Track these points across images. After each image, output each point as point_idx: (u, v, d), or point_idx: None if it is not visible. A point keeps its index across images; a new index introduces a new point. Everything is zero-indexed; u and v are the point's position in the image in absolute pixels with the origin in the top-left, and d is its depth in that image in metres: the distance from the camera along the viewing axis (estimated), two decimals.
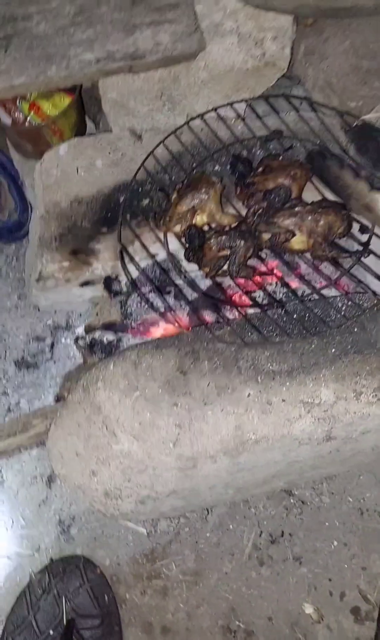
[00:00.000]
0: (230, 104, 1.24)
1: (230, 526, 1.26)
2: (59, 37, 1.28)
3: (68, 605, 1.15)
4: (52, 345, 1.47)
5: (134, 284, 1.17)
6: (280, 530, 1.26)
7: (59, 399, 1.40)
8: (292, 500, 1.29)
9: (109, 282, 1.30)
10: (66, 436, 1.11)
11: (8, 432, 1.29)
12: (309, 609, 1.24)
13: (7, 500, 1.31)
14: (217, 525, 1.26)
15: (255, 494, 1.26)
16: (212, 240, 1.07)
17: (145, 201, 1.22)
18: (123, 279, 1.29)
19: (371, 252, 1.08)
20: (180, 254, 1.17)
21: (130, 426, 1.00)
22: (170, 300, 1.21)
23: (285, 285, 1.13)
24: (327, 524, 1.28)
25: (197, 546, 1.24)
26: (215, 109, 1.24)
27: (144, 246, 1.16)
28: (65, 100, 1.50)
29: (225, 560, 1.23)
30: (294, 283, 1.17)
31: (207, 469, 1.02)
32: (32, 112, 1.50)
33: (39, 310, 1.51)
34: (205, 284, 1.21)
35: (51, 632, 1.14)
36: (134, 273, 1.20)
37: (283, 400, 0.98)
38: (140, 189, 1.23)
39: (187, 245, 1.11)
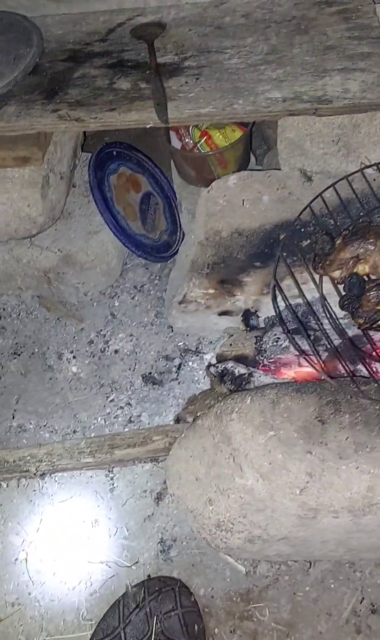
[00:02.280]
0: None
1: (332, 585, 1.21)
2: (249, 73, 1.33)
3: (158, 626, 1.15)
4: (179, 367, 1.50)
5: (281, 320, 1.17)
6: None
7: (179, 419, 1.43)
8: None
9: (248, 316, 1.31)
10: (188, 458, 1.12)
11: (128, 442, 1.33)
12: None
13: (114, 508, 1.33)
14: (318, 581, 1.21)
15: (364, 558, 1.21)
16: (373, 292, 1.06)
17: (306, 242, 1.23)
18: (262, 315, 1.30)
19: None
20: (330, 298, 1.16)
21: (258, 463, 0.99)
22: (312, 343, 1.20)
23: None
24: None
25: (294, 597, 1.21)
26: None
27: (297, 285, 1.16)
28: (237, 133, 1.55)
29: (322, 619, 1.18)
30: None
31: (326, 523, 1.00)
32: (202, 140, 1.56)
33: (172, 330, 1.54)
34: (352, 333, 1.18)
35: None
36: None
37: None
38: (302, 229, 1.24)
39: (345, 292, 1.10)
